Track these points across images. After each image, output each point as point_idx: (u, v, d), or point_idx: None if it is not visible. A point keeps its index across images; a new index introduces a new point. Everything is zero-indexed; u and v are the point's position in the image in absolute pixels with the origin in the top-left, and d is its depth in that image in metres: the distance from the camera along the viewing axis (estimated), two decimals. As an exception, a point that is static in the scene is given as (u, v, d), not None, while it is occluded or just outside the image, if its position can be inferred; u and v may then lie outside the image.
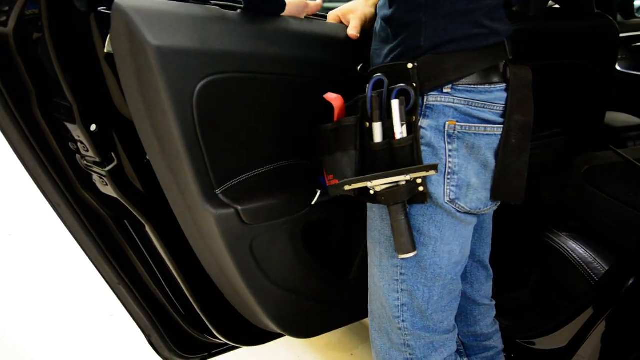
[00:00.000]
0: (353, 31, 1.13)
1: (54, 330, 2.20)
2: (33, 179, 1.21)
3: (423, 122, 0.95)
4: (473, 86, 0.94)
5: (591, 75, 1.82)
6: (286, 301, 1.23)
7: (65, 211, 1.25)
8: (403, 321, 1.06)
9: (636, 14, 3.04)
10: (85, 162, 1.19)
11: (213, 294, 1.29)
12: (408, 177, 0.93)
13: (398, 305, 1.06)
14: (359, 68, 1.13)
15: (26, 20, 1.06)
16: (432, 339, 1.08)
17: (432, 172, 0.92)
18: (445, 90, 0.94)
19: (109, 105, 1.13)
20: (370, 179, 0.95)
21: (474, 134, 0.96)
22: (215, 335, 1.44)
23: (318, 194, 1.14)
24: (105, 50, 1.05)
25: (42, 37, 1.04)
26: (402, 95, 0.94)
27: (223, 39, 0.97)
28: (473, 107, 0.95)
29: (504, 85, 0.97)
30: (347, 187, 0.97)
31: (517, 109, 0.98)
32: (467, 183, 0.98)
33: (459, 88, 0.94)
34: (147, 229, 1.28)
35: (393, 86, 0.94)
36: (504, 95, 0.97)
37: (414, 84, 0.93)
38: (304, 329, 1.35)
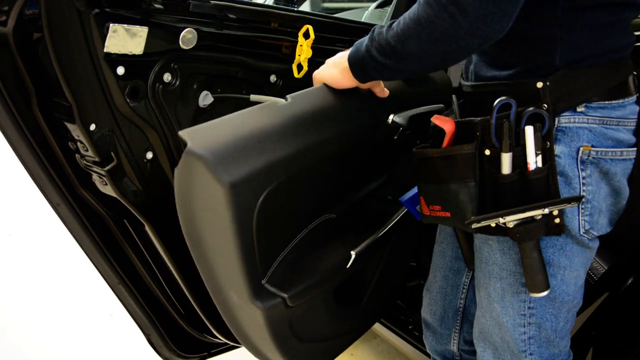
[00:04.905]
0: (383, 95, 1.08)
1: (54, 330, 2.20)
2: (33, 179, 1.21)
3: (556, 149, 0.87)
4: (607, 102, 0.88)
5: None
6: (307, 350, 1.23)
7: (65, 211, 1.25)
8: (531, 354, 1.00)
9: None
10: (84, 161, 1.19)
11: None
12: (546, 211, 0.84)
13: (525, 339, 0.99)
14: (390, 120, 1.10)
15: (26, 20, 1.06)
16: None
17: (574, 204, 0.85)
18: (579, 110, 0.87)
19: (109, 105, 1.13)
20: (502, 215, 0.85)
21: (610, 159, 0.89)
22: (214, 335, 1.44)
23: (352, 257, 1.12)
24: (105, 50, 1.05)
25: (42, 36, 1.04)
26: (534, 119, 0.85)
27: (283, 143, 0.95)
28: (608, 126, 0.88)
29: (635, 97, 0.91)
30: (475, 226, 0.88)
31: None
32: (599, 210, 0.92)
33: (592, 105, 0.87)
34: (147, 228, 1.28)
35: (522, 109, 0.85)
36: (636, 108, 0.92)
37: (546, 105, 0.85)
38: None
